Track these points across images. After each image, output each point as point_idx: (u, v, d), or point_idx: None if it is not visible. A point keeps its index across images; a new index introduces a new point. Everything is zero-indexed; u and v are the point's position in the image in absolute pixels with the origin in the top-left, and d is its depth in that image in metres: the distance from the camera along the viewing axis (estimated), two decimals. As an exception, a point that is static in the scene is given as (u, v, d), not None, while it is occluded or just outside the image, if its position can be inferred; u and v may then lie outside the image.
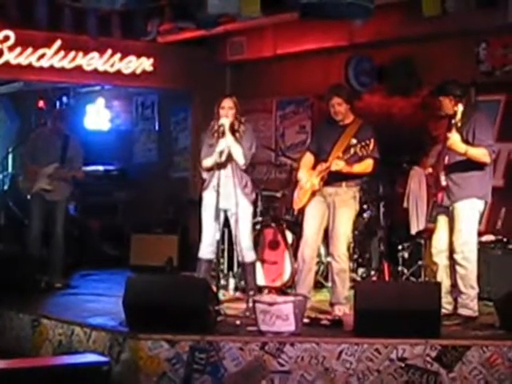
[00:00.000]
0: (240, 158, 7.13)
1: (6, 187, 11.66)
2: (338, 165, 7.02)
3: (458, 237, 6.71)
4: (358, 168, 7.12)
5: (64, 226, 8.93)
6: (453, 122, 6.55)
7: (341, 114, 7.21)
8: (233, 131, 7.13)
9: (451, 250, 6.77)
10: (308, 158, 7.44)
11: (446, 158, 6.72)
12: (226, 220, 7.38)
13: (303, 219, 7.42)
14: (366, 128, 7.20)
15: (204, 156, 7.27)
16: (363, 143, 6.92)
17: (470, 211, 6.74)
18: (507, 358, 5.92)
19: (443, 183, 6.72)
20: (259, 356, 5.94)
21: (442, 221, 6.87)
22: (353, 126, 7.23)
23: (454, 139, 6.53)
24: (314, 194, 7.28)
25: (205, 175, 7.35)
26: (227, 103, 7.17)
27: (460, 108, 6.55)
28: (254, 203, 8.48)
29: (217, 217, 7.05)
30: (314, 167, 7.32)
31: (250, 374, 5.94)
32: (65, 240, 8.96)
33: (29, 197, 8.90)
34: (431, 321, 6.03)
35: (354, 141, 7.02)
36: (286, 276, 8.40)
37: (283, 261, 8.45)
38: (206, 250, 7.25)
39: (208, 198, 7.25)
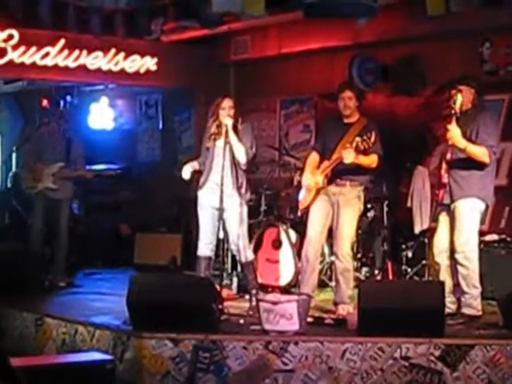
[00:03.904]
0: (242, 157, 7.11)
1: (9, 186, 11.68)
2: (350, 153, 6.89)
3: (459, 236, 6.66)
4: (365, 160, 7.04)
5: (68, 224, 8.95)
6: (452, 112, 6.54)
7: (349, 109, 7.20)
8: (235, 130, 7.12)
9: (452, 250, 6.75)
10: (313, 158, 7.41)
11: (448, 155, 6.70)
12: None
13: (307, 218, 7.42)
14: (371, 127, 7.17)
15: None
16: (365, 137, 6.90)
17: (470, 211, 6.69)
18: (511, 357, 5.91)
19: (445, 180, 6.70)
20: (263, 355, 5.94)
21: (443, 220, 6.83)
22: (358, 124, 7.21)
23: (454, 132, 6.50)
24: (318, 192, 7.26)
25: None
26: (228, 103, 7.14)
27: (459, 98, 6.52)
28: (256, 202, 8.48)
29: (219, 216, 7.04)
30: (319, 166, 7.31)
31: (253, 373, 5.93)
32: (69, 239, 8.97)
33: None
34: (435, 320, 6.02)
35: (358, 139, 6.99)
36: (289, 275, 8.40)
37: (286, 260, 8.45)
38: (205, 247, 7.24)
39: (203, 197, 7.25)
